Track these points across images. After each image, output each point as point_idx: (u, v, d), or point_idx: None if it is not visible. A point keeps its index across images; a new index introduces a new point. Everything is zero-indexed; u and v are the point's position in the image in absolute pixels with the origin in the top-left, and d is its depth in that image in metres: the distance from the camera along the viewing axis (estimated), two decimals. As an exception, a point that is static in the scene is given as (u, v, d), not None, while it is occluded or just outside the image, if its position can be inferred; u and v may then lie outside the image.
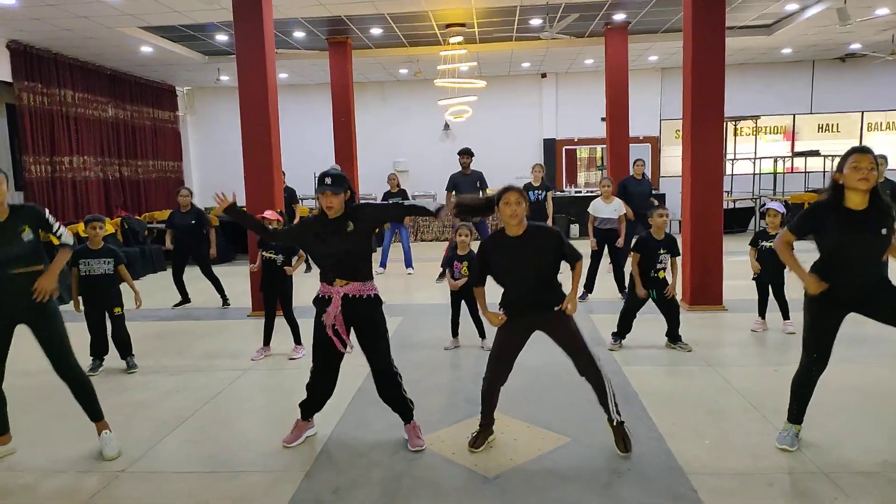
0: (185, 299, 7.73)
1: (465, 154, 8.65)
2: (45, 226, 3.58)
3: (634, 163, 8.83)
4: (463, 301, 5.53)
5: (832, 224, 3.18)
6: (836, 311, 3.28)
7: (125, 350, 5.23)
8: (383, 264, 9.56)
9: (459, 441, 3.66)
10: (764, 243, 5.66)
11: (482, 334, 5.55)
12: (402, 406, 3.64)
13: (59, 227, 3.68)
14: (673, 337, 5.41)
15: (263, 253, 5.35)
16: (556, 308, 3.40)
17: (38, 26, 9.02)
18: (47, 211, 3.68)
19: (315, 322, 3.57)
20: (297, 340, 5.53)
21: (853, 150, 3.17)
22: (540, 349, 3.83)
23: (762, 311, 5.89)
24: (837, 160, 3.32)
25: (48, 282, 3.47)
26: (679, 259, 5.37)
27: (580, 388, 4.44)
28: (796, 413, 3.47)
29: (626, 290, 5.53)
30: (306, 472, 3.38)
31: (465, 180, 8.59)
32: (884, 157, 8.94)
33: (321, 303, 3.54)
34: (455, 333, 5.64)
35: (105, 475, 3.40)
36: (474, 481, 3.24)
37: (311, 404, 3.74)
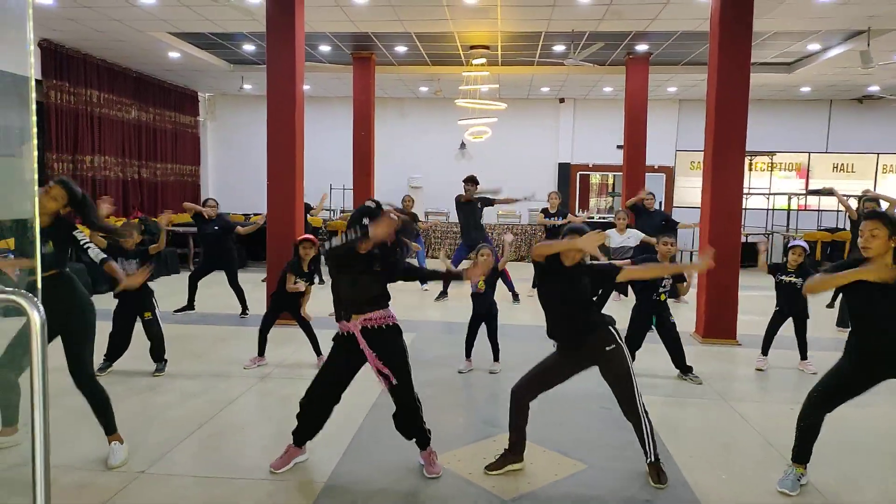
0: (190, 306, 7.76)
1: (471, 182, 8.87)
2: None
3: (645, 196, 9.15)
4: (483, 323, 5.53)
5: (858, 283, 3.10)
6: (870, 373, 3.25)
7: (159, 353, 5.27)
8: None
9: (476, 461, 3.67)
10: (783, 277, 5.65)
11: (497, 357, 5.57)
12: (419, 435, 3.57)
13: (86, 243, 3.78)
14: (682, 368, 5.40)
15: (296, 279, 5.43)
16: (609, 347, 3.51)
17: (70, 26, 9.19)
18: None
19: (331, 352, 3.56)
20: (318, 351, 5.56)
21: (864, 216, 3.20)
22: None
23: (766, 348, 5.80)
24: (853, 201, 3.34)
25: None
26: (685, 285, 5.37)
27: (595, 413, 4.50)
28: (800, 451, 3.39)
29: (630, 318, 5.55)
30: (323, 485, 3.40)
31: (467, 207, 8.85)
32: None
33: (341, 339, 3.50)
34: (469, 355, 5.60)
35: (125, 475, 3.43)
36: (491, 503, 3.25)
37: (307, 431, 3.60)
